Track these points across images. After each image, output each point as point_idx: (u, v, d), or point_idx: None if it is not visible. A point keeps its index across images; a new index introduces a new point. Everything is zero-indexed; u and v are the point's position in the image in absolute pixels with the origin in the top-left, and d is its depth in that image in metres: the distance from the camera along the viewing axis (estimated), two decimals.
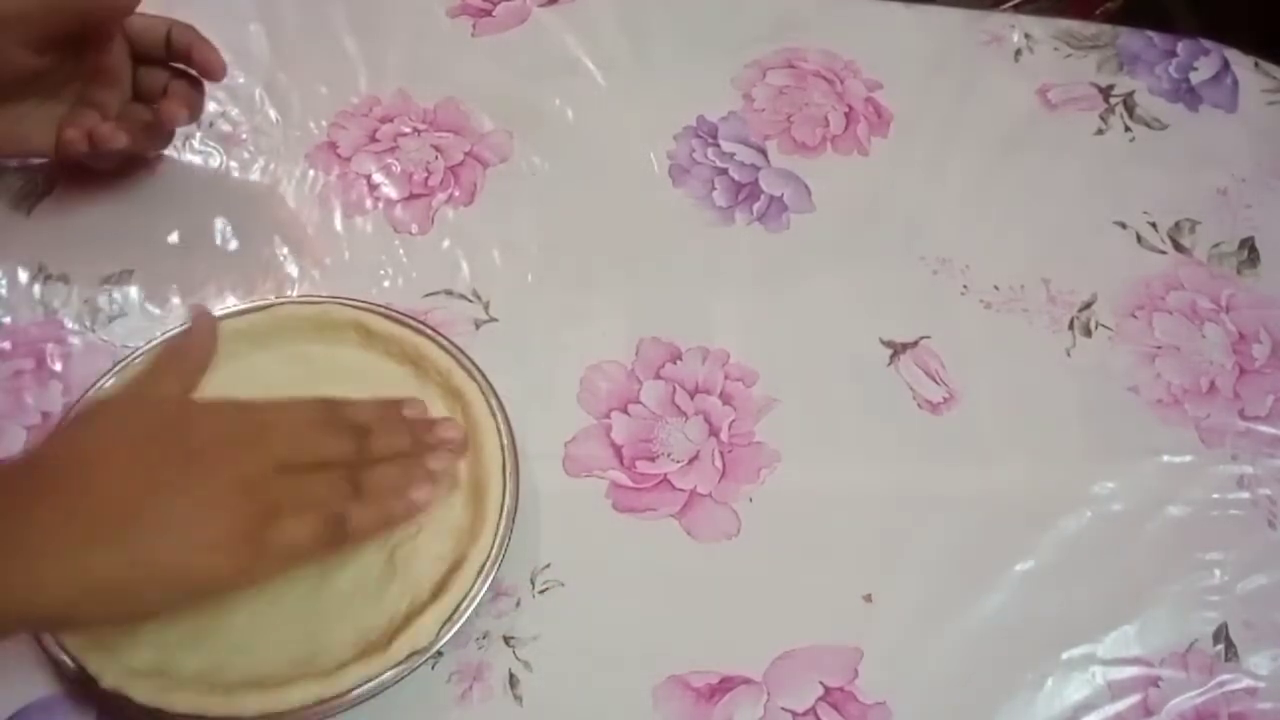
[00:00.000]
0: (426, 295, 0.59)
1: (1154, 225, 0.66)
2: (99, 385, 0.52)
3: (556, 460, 0.54)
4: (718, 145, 0.67)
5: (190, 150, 0.64)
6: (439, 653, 0.47)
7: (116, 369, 0.52)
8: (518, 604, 0.50)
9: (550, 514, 0.52)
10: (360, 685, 0.45)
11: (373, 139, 0.65)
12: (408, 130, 0.66)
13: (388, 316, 0.55)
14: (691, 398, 0.57)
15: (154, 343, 0.53)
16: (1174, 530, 0.55)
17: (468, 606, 0.47)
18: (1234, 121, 0.71)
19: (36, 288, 0.58)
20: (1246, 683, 0.51)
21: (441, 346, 0.54)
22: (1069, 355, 0.60)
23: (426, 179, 0.64)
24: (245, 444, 0.44)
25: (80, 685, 0.45)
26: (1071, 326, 0.61)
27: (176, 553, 0.41)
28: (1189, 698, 0.50)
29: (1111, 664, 0.51)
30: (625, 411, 0.56)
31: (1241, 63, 0.74)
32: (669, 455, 0.55)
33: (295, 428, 0.46)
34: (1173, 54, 0.74)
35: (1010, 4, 1.17)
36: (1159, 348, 0.61)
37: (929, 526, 0.54)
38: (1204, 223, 0.66)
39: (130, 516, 0.40)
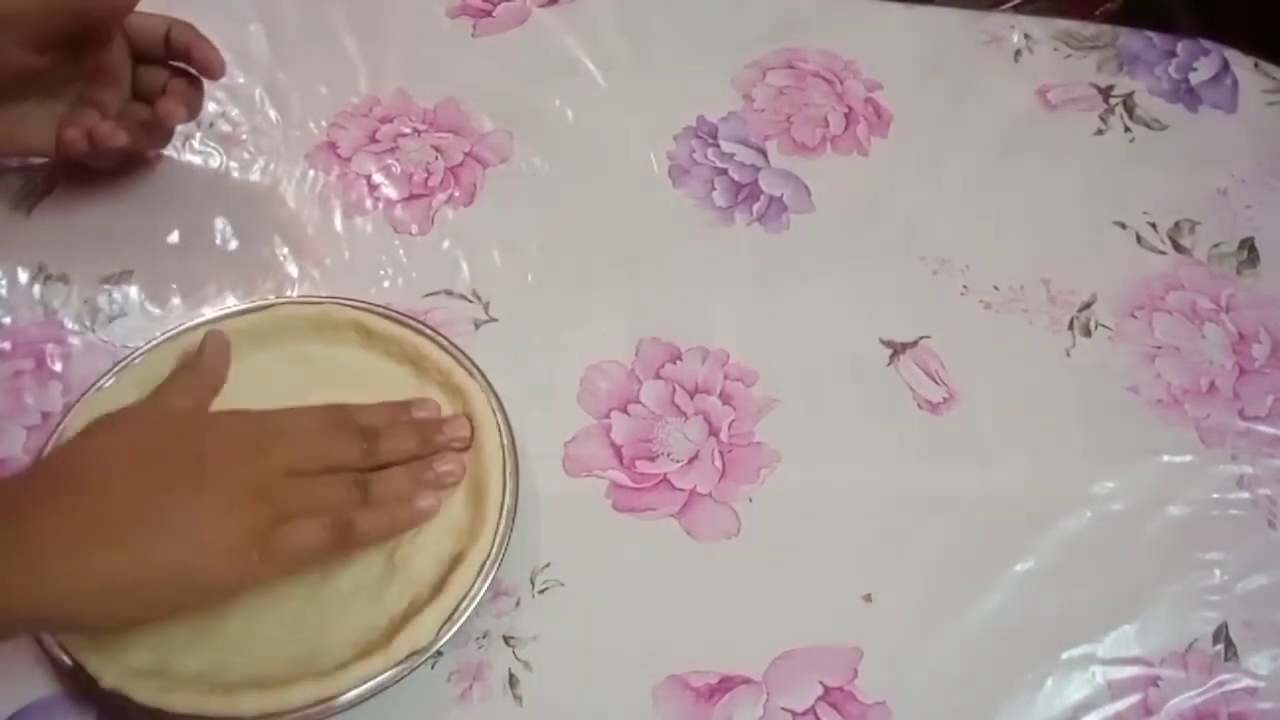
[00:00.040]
0: (426, 295, 0.59)
1: (1154, 225, 0.66)
2: (99, 385, 0.52)
3: (556, 460, 0.54)
4: (718, 145, 0.67)
5: (190, 150, 0.64)
6: (439, 652, 0.47)
7: (116, 369, 0.52)
8: (517, 604, 0.50)
9: (550, 514, 0.52)
10: (360, 685, 0.45)
11: (373, 139, 0.65)
12: (408, 130, 0.66)
13: (388, 316, 0.55)
14: (691, 398, 0.57)
15: (154, 343, 0.53)
16: (1174, 530, 0.55)
17: (467, 606, 0.47)
18: (1234, 122, 0.71)
19: (36, 288, 0.58)
20: (1246, 683, 0.51)
21: (441, 346, 0.54)
22: (1069, 355, 0.60)
23: (426, 179, 0.64)
24: (255, 450, 0.45)
25: (80, 685, 0.45)
26: (1071, 326, 0.61)
27: (184, 554, 0.41)
28: (1189, 698, 0.50)
29: (1111, 664, 0.51)
30: (625, 411, 0.56)
31: (1241, 63, 0.74)
32: (669, 455, 0.55)
33: (304, 433, 0.47)
34: (1173, 54, 0.74)
35: (1010, 4, 1.17)
36: (1159, 348, 0.61)
37: (929, 526, 0.54)
38: (1204, 223, 0.66)
39: (138, 518, 0.41)
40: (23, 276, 0.58)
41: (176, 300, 0.58)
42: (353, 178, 0.63)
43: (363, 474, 0.48)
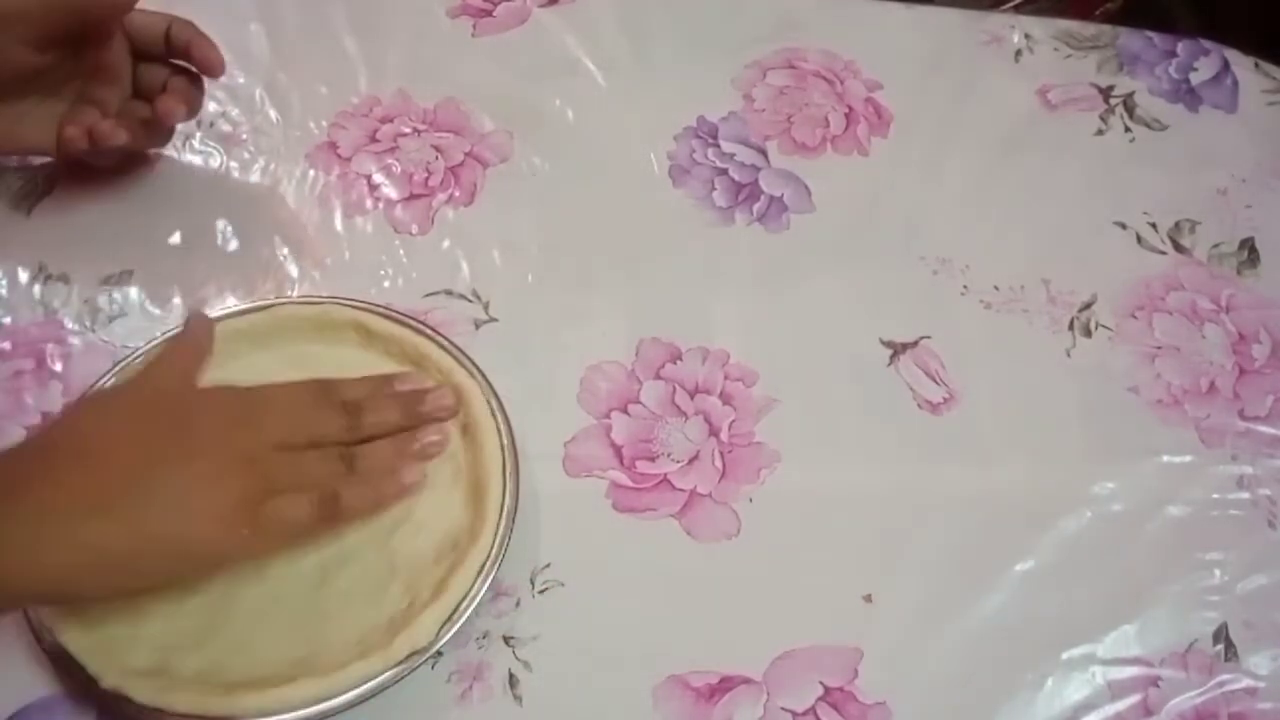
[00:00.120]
0: (426, 295, 0.59)
1: (1154, 225, 0.66)
2: (99, 385, 0.52)
3: (556, 460, 0.54)
4: (718, 145, 0.67)
5: (190, 150, 0.64)
6: (439, 652, 0.47)
7: (116, 369, 0.52)
8: (517, 604, 0.50)
9: (550, 514, 0.52)
10: (360, 685, 0.45)
11: (373, 139, 0.65)
12: (408, 130, 0.66)
13: (388, 316, 0.55)
14: (691, 398, 0.57)
15: (154, 343, 0.53)
16: (1174, 530, 0.55)
17: (467, 606, 0.47)
18: (1234, 122, 0.71)
19: (36, 288, 0.58)
20: (1246, 683, 0.51)
21: (441, 346, 0.54)
22: (1069, 355, 0.60)
23: (426, 179, 0.64)
24: (243, 424, 0.45)
25: (80, 685, 0.45)
26: (1071, 327, 0.61)
27: (175, 524, 0.42)
28: (1189, 698, 0.50)
29: (1111, 664, 0.51)
30: (625, 411, 0.56)
31: (1241, 63, 0.74)
32: (669, 455, 0.55)
33: (290, 408, 0.48)
34: (1173, 54, 0.74)
35: (1010, 4, 1.17)
36: (1159, 348, 0.61)
37: (929, 526, 0.54)
38: (1204, 223, 0.66)
39: (130, 489, 0.41)
40: (23, 276, 0.58)
41: (176, 300, 0.58)
42: (353, 178, 0.63)
43: (348, 448, 0.48)
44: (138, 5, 0.53)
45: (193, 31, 0.56)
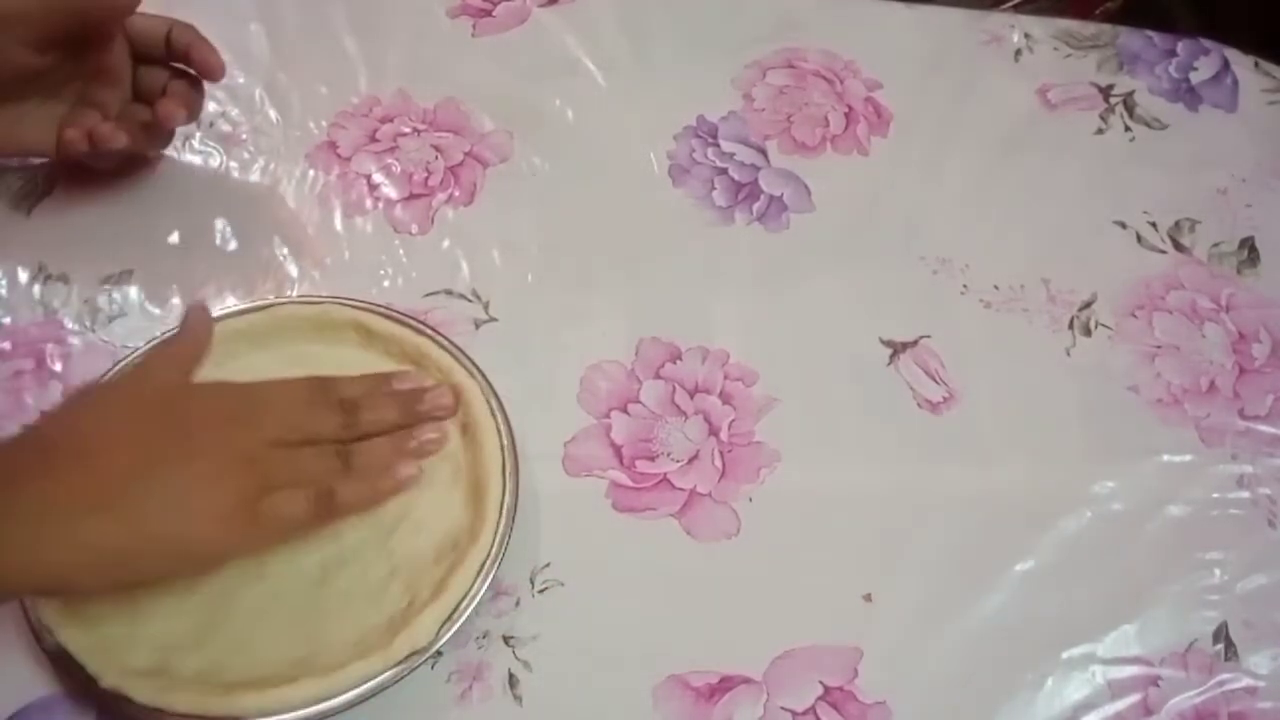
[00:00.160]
0: (426, 295, 0.59)
1: (1154, 225, 0.66)
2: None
3: (556, 460, 0.54)
4: (718, 145, 0.67)
5: (190, 150, 0.64)
6: (439, 652, 0.47)
7: (116, 369, 0.52)
8: (517, 604, 0.50)
9: (550, 514, 0.52)
10: (360, 685, 0.45)
11: (373, 139, 0.65)
12: (408, 130, 0.66)
13: (388, 316, 0.55)
14: (691, 397, 0.57)
15: (153, 342, 0.53)
16: (1174, 530, 0.55)
17: (467, 606, 0.47)
18: (1234, 121, 0.71)
19: (36, 288, 0.58)
20: (1246, 682, 0.51)
21: (441, 346, 0.54)
22: (1069, 355, 0.60)
23: (426, 179, 0.64)
24: (240, 421, 0.45)
25: (80, 685, 0.45)
26: (1071, 326, 0.61)
27: (174, 522, 0.42)
28: (1189, 697, 0.50)
29: (1111, 664, 0.51)
30: (625, 411, 0.56)
31: (1241, 63, 0.74)
32: (669, 455, 0.55)
33: (287, 405, 0.48)
34: (1173, 54, 0.74)
35: (1010, 4, 1.17)
36: (1159, 347, 0.61)
37: (929, 526, 0.54)
38: (1204, 222, 0.66)
39: (130, 487, 0.42)
40: (23, 276, 0.58)
41: (176, 300, 0.58)
42: (353, 177, 0.63)
43: (345, 445, 0.48)
44: (138, 8, 0.53)
45: (193, 35, 0.56)
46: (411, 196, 0.63)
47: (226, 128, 0.65)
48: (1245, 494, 0.56)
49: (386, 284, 0.59)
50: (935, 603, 0.52)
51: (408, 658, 0.46)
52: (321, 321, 0.55)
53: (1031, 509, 0.55)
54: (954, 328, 0.60)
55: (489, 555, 0.48)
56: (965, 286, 0.62)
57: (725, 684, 0.49)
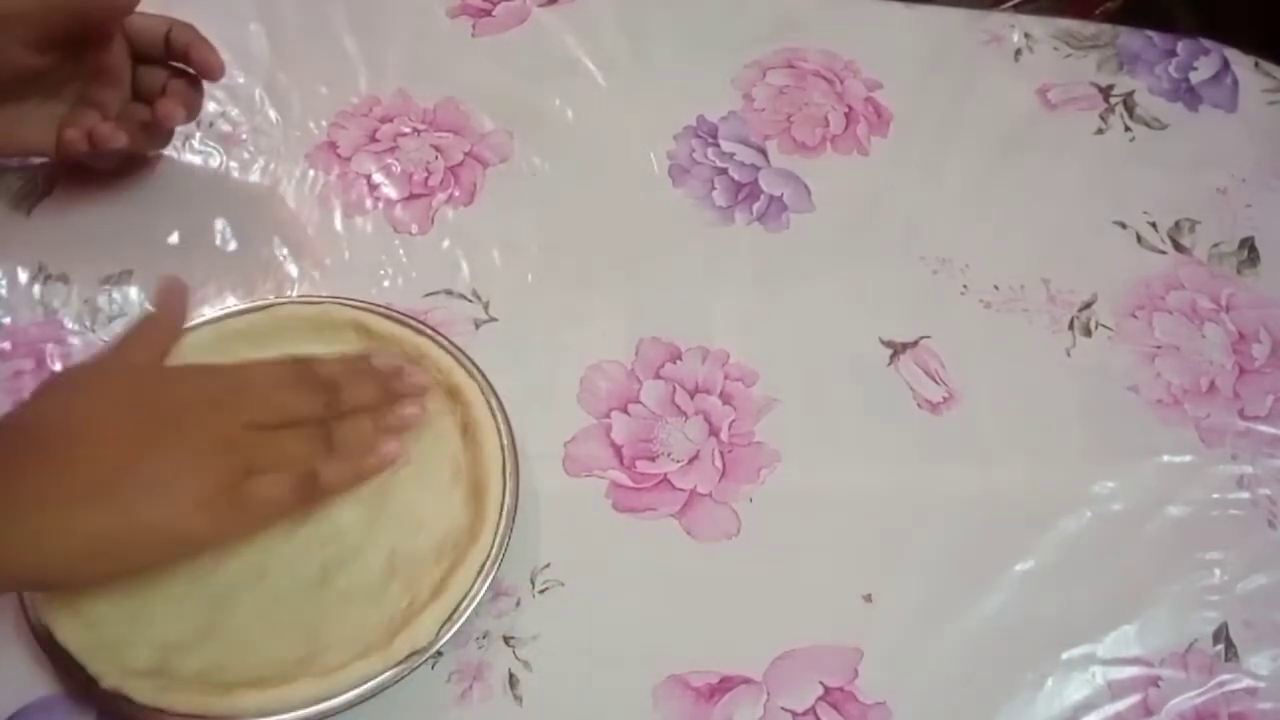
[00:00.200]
0: (426, 295, 0.59)
1: (1154, 225, 0.66)
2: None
3: (556, 460, 0.54)
4: (718, 145, 0.67)
5: (190, 150, 0.64)
6: (439, 652, 0.47)
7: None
8: (518, 604, 0.50)
9: (550, 514, 0.52)
10: (360, 685, 0.45)
11: (373, 139, 0.65)
12: (408, 130, 0.66)
13: (388, 316, 0.55)
14: (691, 398, 0.57)
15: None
16: (1174, 530, 0.55)
17: (467, 606, 0.47)
18: (1234, 121, 0.71)
19: (36, 288, 0.58)
20: (1246, 683, 0.51)
21: (441, 346, 0.54)
22: (1069, 355, 0.60)
23: (426, 179, 0.64)
24: (221, 406, 0.45)
25: (80, 685, 0.45)
26: (1071, 326, 0.61)
27: (161, 511, 0.42)
28: (1189, 698, 0.50)
29: (1111, 664, 0.51)
30: (625, 411, 0.56)
31: (1241, 63, 0.74)
32: (669, 455, 0.55)
33: (267, 387, 0.48)
34: (1173, 54, 0.74)
35: (1010, 4, 1.17)
36: (1159, 348, 0.61)
37: (929, 526, 0.54)
38: (1204, 223, 0.66)
39: (117, 478, 0.42)
40: (23, 276, 0.58)
41: None
42: (353, 177, 0.63)
43: (325, 425, 0.48)
44: (138, 7, 0.53)
45: (193, 35, 0.56)
46: (411, 196, 0.63)
47: (226, 128, 0.65)
48: (1245, 494, 0.56)
49: (386, 284, 0.59)
50: (935, 603, 0.52)
51: (408, 658, 0.46)
52: (321, 321, 0.55)
53: (1031, 509, 0.55)
54: (954, 328, 0.60)
55: (489, 555, 0.48)
56: (965, 287, 0.62)
57: (725, 684, 0.49)
